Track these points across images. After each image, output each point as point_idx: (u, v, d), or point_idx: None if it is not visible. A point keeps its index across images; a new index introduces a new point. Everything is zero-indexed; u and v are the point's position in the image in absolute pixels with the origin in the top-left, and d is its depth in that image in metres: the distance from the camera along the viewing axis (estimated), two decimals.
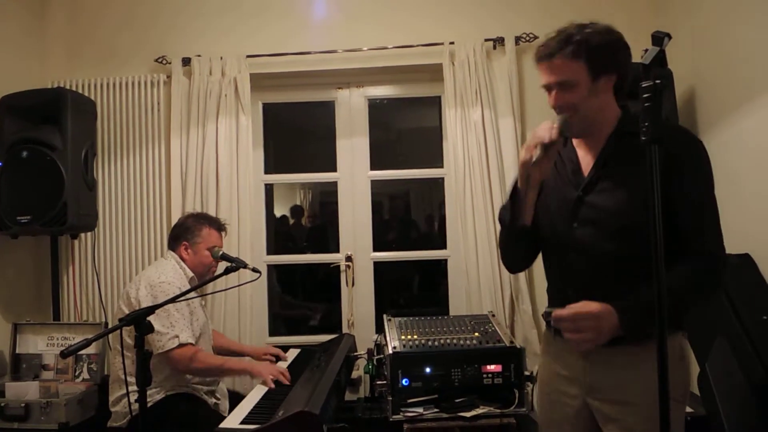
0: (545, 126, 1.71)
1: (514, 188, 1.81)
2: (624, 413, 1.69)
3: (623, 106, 1.78)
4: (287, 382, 2.63)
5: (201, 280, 2.88)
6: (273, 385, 2.62)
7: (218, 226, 2.99)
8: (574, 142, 1.84)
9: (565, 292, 1.77)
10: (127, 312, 2.60)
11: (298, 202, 4.57)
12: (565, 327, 1.62)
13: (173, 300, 2.37)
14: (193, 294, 2.61)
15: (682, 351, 1.72)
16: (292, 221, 4.47)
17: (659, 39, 1.46)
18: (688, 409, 2.72)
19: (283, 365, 2.96)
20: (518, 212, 1.81)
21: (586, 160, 1.80)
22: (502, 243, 1.98)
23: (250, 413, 2.27)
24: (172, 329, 2.61)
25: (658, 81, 1.41)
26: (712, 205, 1.69)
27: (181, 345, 2.61)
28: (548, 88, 1.74)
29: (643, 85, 1.42)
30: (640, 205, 1.56)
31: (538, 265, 2.12)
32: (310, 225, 4.52)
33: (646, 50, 1.47)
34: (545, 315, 1.76)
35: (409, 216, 4.31)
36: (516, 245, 1.92)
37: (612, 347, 1.64)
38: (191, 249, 2.88)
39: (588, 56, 1.65)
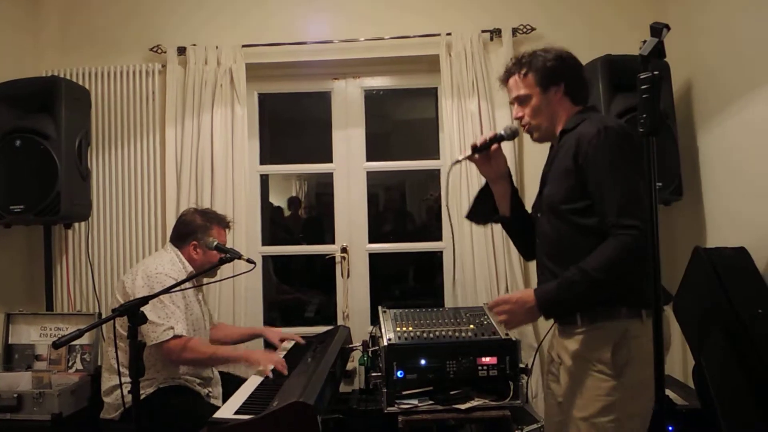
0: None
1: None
2: (563, 381, 2.01)
3: (585, 108, 2.05)
4: (284, 372, 2.62)
5: (203, 277, 2.87)
6: (270, 374, 2.62)
7: (226, 224, 2.98)
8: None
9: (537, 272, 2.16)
10: (122, 302, 2.59)
11: (294, 193, 4.56)
12: (495, 311, 1.99)
13: (167, 290, 2.36)
14: (188, 286, 2.59)
15: (626, 333, 1.87)
16: (288, 212, 4.45)
17: (658, 30, 1.45)
18: (683, 402, 2.73)
19: (281, 353, 2.95)
20: (491, 204, 2.24)
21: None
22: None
23: (244, 403, 2.25)
24: (168, 320, 2.59)
25: (656, 72, 1.40)
26: (616, 181, 1.82)
27: (175, 336, 2.59)
28: (512, 103, 2.12)
29: (641, 77, 1.42)
30: (564, 190, 1.92)
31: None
32: (305, 216, 4.51)
33: (645, 42, 1.46)
34: None
35: (405, 207, 4.30)
36: (512, 234, 2.31)
37: (569, 325, 1.97)
38: (200, 249, 2.86)
39: (534, 73, 2.01)
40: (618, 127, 1.89)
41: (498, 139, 2.12)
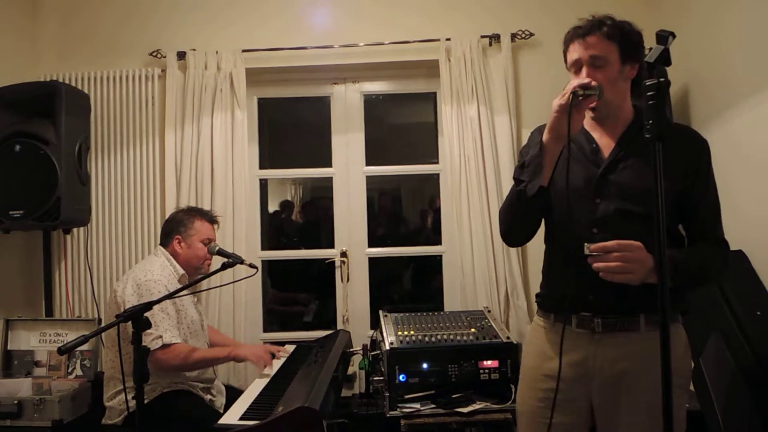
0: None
1: (540, 147, 1.79)
2: (625, 401, 1.76)
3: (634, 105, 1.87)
4: (270, 364, 2.73)
5: (194, 275, 2.85)
6: (262, 367, 2.66)
7: (210, 218, 2.97)
8: (588, 126, 1.90)
9: (581, 266, 1.69)
10: (115, 310, 2.59)
11: (289, 198, 4.55)
12: (612, 258, 1.62)
13: (170, 296, 2.36)
14: (184, 292, 2.59)
15: (687, 339, 1.83)
16: (285, 216, 4.44)
17: (663, 38, 1.47)
18: None
19: (280, 361, 2.96)
20: (539, 171, 1.79)
21: (602, 141, 1.86)
22: (510, 212, 1.91)
23: (249, 409, 2.26)
24: (156, 329, 2.55)
25: (662, 79, 1.42)
26: (716, 197, 1.85)
27: (164, 345, 2.57)
28: (578, 65, 1.79)
29: (647, 83, 1.43)
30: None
31: (533, 260, 2.16)
32: (304, 220, 4.50)
33: (650, 48, 1.48)
34: (584, 249, 1.68)
35: (405, 212, 4.31)
36: (525, 210, 1.86)
37: (623, 332, 1.76)
38: (185, 242, 2.86)
39: (620, 39, 1.76)
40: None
41: (592, 90, 1.73)
